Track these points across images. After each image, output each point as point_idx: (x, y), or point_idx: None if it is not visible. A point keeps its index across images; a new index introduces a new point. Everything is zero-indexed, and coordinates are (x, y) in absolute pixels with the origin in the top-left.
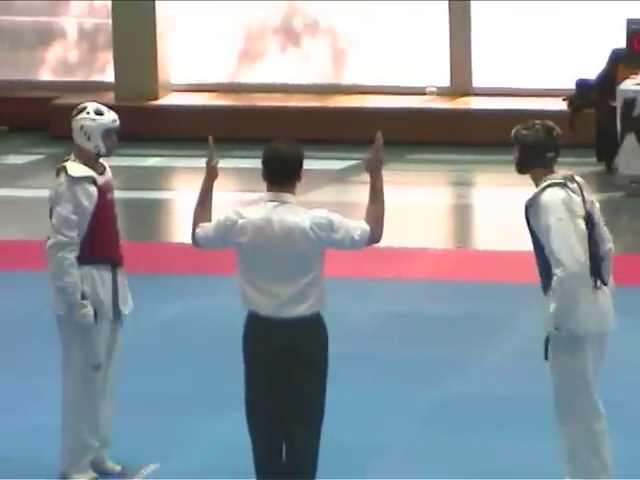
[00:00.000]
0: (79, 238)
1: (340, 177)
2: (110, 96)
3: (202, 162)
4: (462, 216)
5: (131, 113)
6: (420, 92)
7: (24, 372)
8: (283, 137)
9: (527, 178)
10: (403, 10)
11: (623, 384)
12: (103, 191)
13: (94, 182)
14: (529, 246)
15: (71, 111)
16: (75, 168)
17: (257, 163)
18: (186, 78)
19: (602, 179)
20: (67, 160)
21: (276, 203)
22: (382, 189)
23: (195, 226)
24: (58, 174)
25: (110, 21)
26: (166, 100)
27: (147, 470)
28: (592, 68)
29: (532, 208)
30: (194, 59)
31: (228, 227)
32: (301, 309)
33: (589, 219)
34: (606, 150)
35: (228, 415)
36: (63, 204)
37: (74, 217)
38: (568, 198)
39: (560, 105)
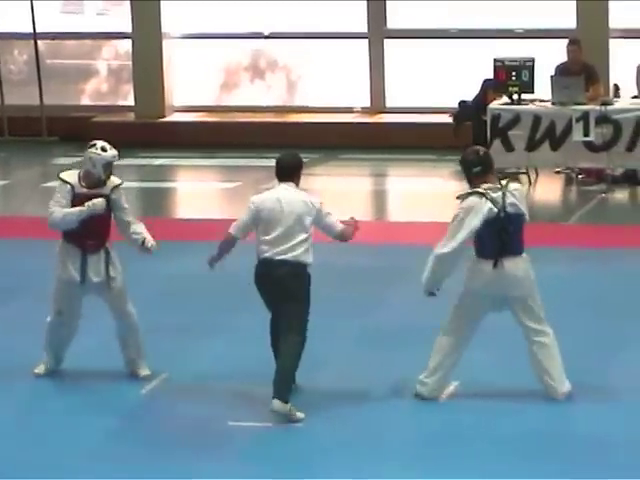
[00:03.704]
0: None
1: None
2: (131, 115)
3: (195, 162)
4: (379, 197)
5: (146, 127)
6: (349, 110)
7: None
8: (254, 144)
9: (418, 170)
10: (337, 50)
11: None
12: (81, 198)
13: (72, 189)
14: (425, 218)
15: (104, 126)
16: (67, 174)
17: (235, 162)
18: (184, 101)
19: None
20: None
21: (284, 187)
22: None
23: (226, 239)
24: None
25: (130, 62)
26: (170, 118)
27: (160, 378)
28: (469, 92)
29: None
30: (189, 88)
31: (254, 210)
32: (290, 256)
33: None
34: None
35: (218, 338)
36: (55, 194)
37: (62, 199)
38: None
39: (447, 119)
